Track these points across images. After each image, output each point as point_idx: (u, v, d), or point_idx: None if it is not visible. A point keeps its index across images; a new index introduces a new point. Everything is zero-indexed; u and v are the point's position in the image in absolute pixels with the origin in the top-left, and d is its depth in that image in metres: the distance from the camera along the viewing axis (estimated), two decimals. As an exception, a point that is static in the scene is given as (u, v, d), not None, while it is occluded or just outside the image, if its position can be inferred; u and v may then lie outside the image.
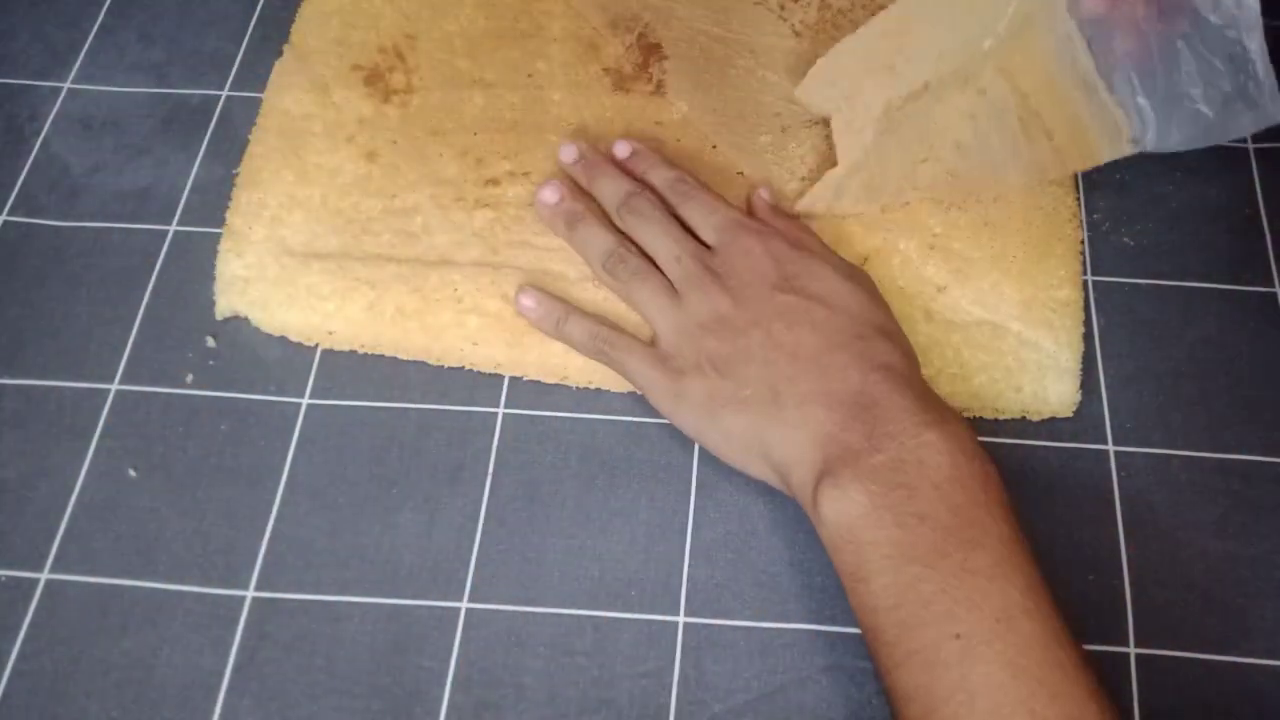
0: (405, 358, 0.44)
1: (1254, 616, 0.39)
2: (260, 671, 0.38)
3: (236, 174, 0.47)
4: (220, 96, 0.51)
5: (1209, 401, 0.43)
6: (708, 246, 0.43)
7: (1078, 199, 0.46)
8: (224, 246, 0.45)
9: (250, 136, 0.48)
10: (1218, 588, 0.39)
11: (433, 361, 0.44)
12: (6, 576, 0.40)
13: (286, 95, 0.49)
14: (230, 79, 0.51)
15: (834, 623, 0.39)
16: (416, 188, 0.46)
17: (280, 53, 0.50)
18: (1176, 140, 0.42)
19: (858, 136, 0.44)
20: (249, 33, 0.53)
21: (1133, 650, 0.38)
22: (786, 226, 0.44)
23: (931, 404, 0.37)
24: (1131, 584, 0.39)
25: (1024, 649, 0.32)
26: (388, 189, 0.46)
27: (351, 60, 0.50)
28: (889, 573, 0.34)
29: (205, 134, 0.50)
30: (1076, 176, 0.47)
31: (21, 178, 0.49)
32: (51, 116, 0.51)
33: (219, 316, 0.44)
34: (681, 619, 0.39)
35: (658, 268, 0.43)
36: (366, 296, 0.44)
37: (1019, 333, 0.43)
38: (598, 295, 0.44)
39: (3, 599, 0.39)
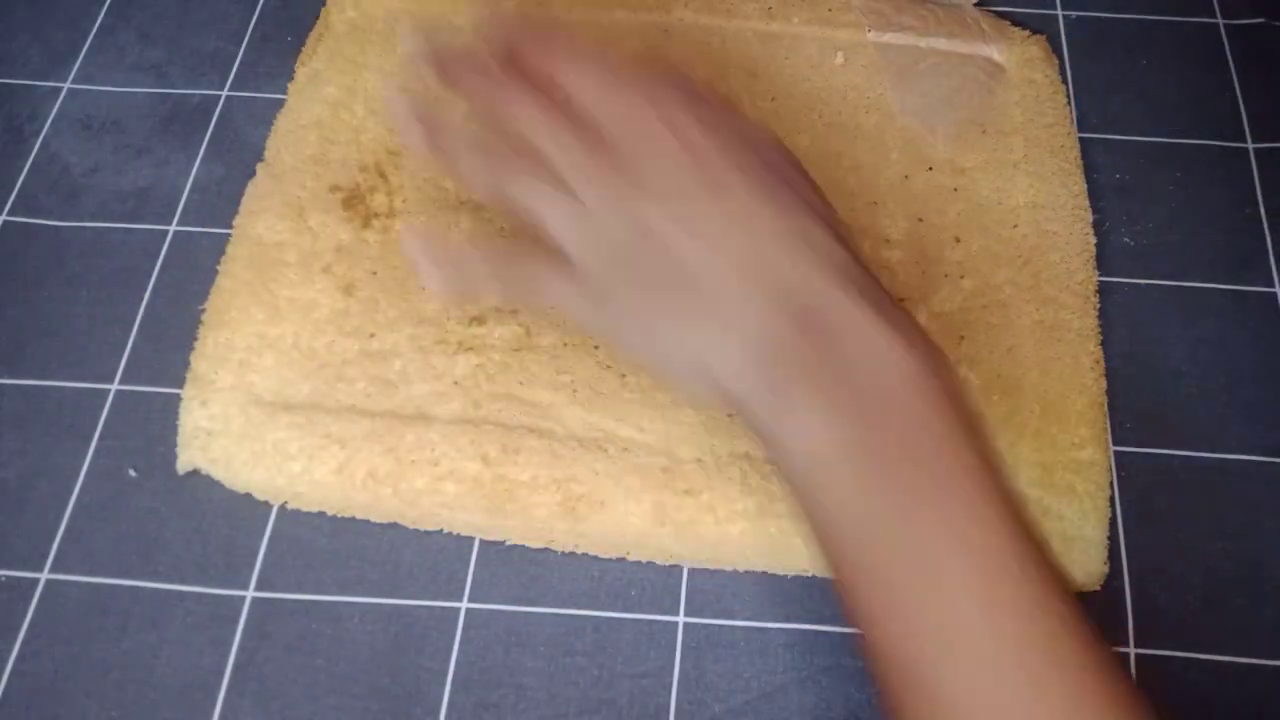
0: (377, 519, 0.41)
1: (1254, 616, 0.38)
2: (260, 671, 0.38)
3: (203, 309, 0.44)
4: (220, 96, 0.51)
5: (1209, 401, 0.43)
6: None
7: (1099, 343, 0.43)
8: (188, 394, 0.42)
9: (219, 268, 0.45)
10: (1218, 588, 0.39)
11: (408, 525, 0.41)
12: (6, 576, 0.40)
13: (259, 221, 0.45)
14: (230, 79, 0.51)
15: (834, 623, 0.39)
16: (396, 326, 0.43)
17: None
18: None
19: None
20: (249, 33, 0.53)
21: (1133, 650, 0.38)
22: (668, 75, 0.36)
23: (889, 311, 0.32)
24: (1131, 584, 0.39)
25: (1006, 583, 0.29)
26: (365, 327, 0.43)
27: (330, 180, 0.47)
28: (862, 507, 0.30)
29: (205, 134, 0.50)
30: (1097, 313, 0.43)
31: (21, 178, 0.49)
32: (51, 116, 0.51)
33: (180, 471, 0.41)
34: (681, 619, 0.39)
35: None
36: (336, 458, 0.40)
37: (1039, 500, 0.40)
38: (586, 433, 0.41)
39: (3, 599, 0.39)
